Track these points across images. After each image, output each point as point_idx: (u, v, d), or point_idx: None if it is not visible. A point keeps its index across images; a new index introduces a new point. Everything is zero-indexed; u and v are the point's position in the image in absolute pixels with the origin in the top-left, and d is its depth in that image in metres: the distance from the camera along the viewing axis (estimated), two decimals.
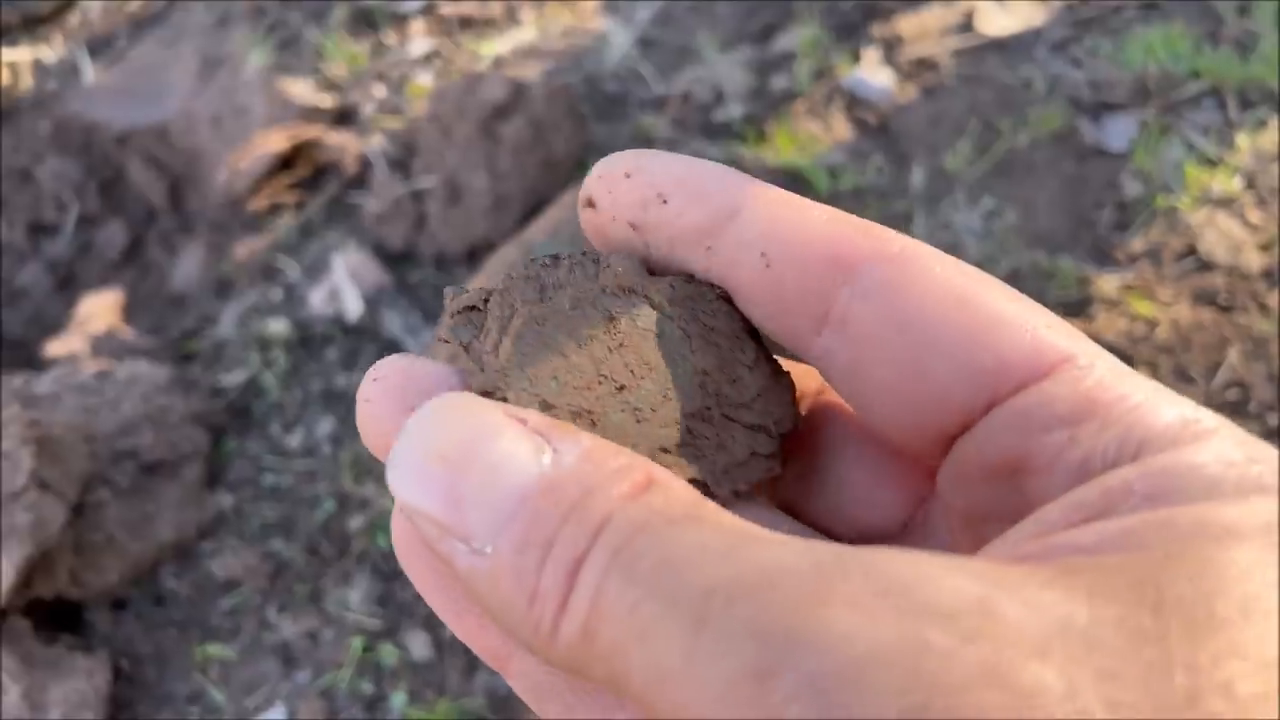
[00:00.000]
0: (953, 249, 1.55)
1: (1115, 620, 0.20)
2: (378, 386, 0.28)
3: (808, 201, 0.29)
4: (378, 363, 0.29)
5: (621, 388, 0.28)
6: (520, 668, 0.28)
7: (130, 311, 2.06)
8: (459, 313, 0.31)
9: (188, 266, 2.09)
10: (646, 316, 0.29)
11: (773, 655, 0.19)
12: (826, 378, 0.29)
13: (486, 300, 0.31)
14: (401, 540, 0.29)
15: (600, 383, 0.28)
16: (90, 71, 2.30)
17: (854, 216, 0.28)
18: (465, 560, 0.23)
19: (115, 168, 2.30)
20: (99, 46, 2.33)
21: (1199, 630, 0.20)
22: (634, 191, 0.30)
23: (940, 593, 0.20)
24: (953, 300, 0.27)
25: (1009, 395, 0.26)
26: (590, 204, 0.32)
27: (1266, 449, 0.24)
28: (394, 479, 0.25)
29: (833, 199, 1.63)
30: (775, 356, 0.31)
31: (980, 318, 0.26)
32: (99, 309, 2.04)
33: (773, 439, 0.30)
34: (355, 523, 1.44)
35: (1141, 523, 0.22)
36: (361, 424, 0.29)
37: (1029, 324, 0.26)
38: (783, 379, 0.31)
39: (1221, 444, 0.23)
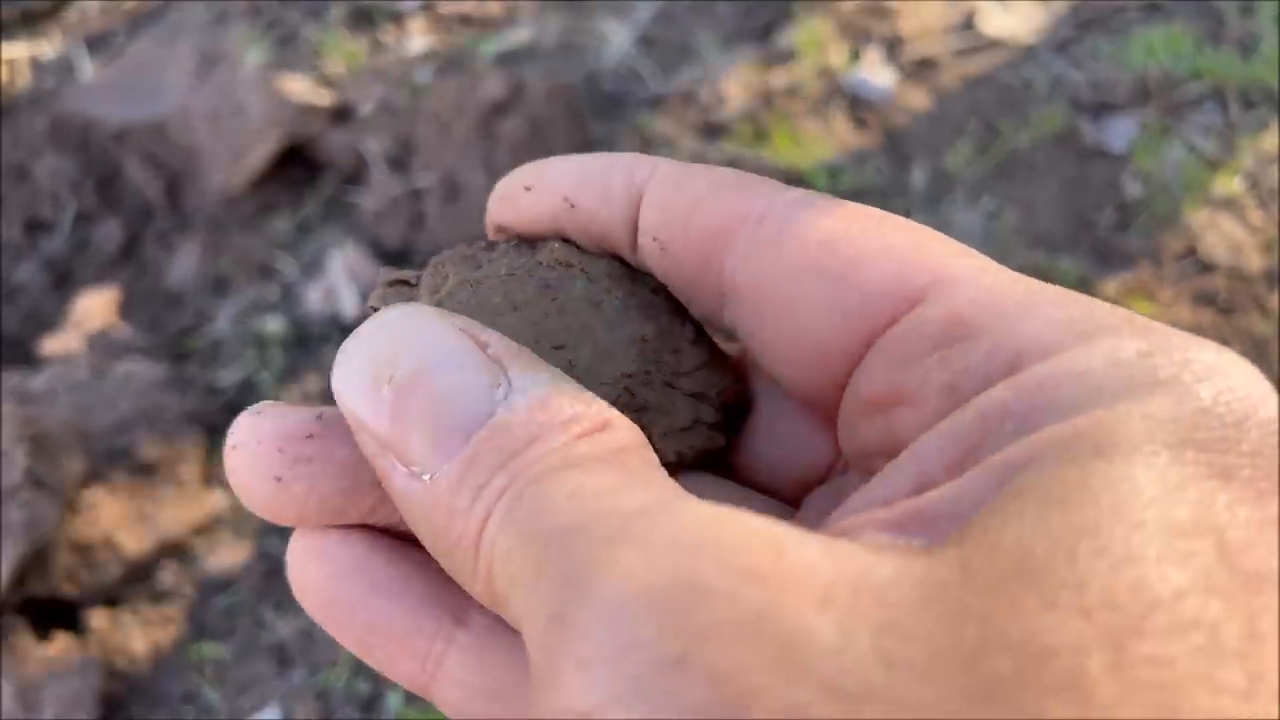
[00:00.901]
0: None
1: (922, 570, 0.17)
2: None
3: (699, 170, 0.28)
4: (253, 410, 0.27)
5: (559, 347, 0.27)
6: (440, 696, 0.27)
7: (126, 309, 2.05)
8: (390, 284, 0.31)
9: (184, 264, 2.09)
10: (583, 288, 0.28)
11: (565, 598, 0.18)
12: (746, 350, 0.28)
13: (419, 278, 0.31)
14: (299, 574, 0.27)
15: (537, 342, 0.27)
16: (88, 68, 2.29)
17: (745, 176, 0.28)
18: (403, 482, 0.23)
19: (112, 165, 2.29)
20: (97, 43, 2.32)
21: (1009, 576, 0.16)
22: (539, 203, 0.30)
23: (737, 533, 0.18)
24: (816, 245, 0.26)
25: (884, 329, 0.25)
26: (500, 230, 0.32)
27: (1179, 339, 0.20)
28: (339, 385, 0.24)
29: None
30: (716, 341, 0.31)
31: (843, 256, 0.25)
32: (95, 307, 2.03)
33: (715, 409, 0.29)
34: None
35: (1010, 456, 0.19)
36: (231, 474, 0.27)
37: (897, 252, 0.25)
38: (725, 358, 0.30)
39: (1114, 342, 0.20)
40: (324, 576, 0.27)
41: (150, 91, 2.29)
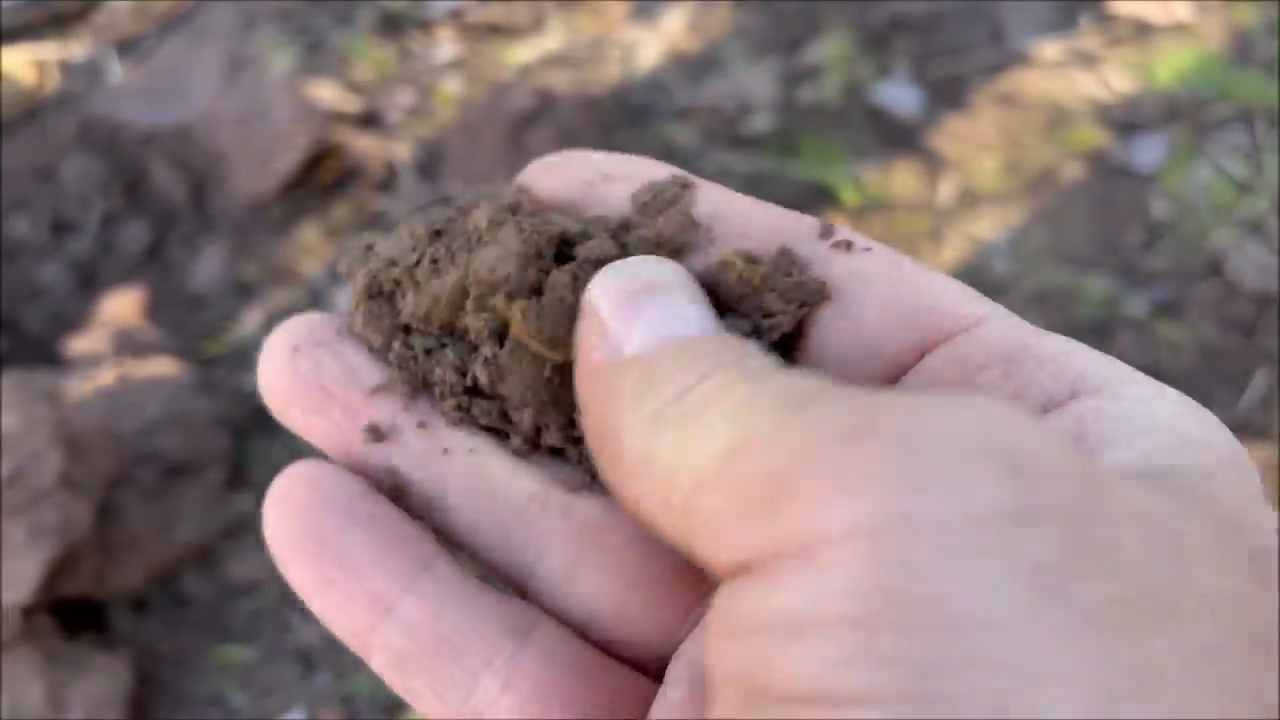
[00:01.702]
0: (979, 268, 1.55)
1: None
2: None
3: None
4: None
5: None
6: (384, 641, 0.28)
7: (152, 311, 2.07)
8: (364, 249, 0.37)
9: (209, 267, 2.10)
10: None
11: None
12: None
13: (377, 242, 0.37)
14: (284, 500, 0.30)
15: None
16: (117, 71, 2.31)
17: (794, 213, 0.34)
18: (601, 353, 0.26)
19: (139, 168, 2.31)
20: (126, 46, 2.34)
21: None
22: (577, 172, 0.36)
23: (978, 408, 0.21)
24: (886, 263, 0.30)
25: (939, 343, 0.28)
26: (521, 190, 0.36)
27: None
28: (596, 288, 0.28)
29: (858, 213, 1.64)
30: None
31: (908, 270, 0.30)
32: (121, 308, 2.04)
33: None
34: None
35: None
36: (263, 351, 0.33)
37: (954, 285, 0.29)
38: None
39: (1150, 387, 0.26)
40: (309, 501, 0.29)
41: (178, 95, 2.31)
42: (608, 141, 1.73)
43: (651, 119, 1.84)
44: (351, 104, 2.02)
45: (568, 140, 1.68)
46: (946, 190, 1.64)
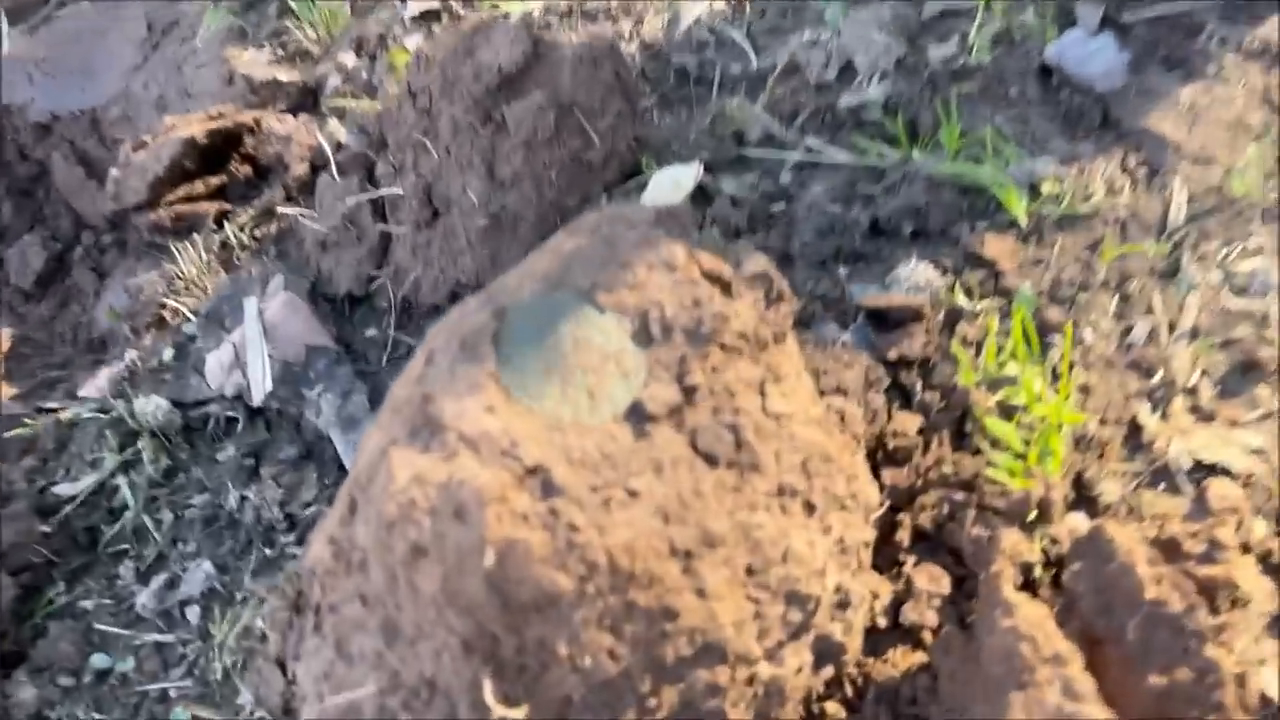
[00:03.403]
0: (1241, 312, 0.91)
1: None
2: None
3: None
4: None
5: None
6: None
7: (16, 360, 1.50)
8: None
9: (117, 296, 1.54)
10: None
11: None
12: None
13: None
14: None
15: None
16: (5, 40, 1.76)
17: None
18: None
19: (35, 164, 1.76)
20: (18, 9, 1.79)
21: None
22: None
23: None
24: None
25: None
26: None
27: None
28: None
29: (1036, 232, 1.00)
30: None
31: None
32: None
33: None
34: None
35: None
36: None
37: None
38: None
39: None
40: None
41: (85, 70, 1.76)
42: (632, 120, 1.12)
43: (705, 88, 1.22)
44: (285, 73, 1.44)
45: (567, 116, 1.07)
46: (1179, 196, 1.00)
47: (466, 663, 0.61)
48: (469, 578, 0.59)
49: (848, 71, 1.20)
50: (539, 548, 0.59)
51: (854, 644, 0.73)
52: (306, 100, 1.41)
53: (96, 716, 0.89)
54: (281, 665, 0.76)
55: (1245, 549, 0.77)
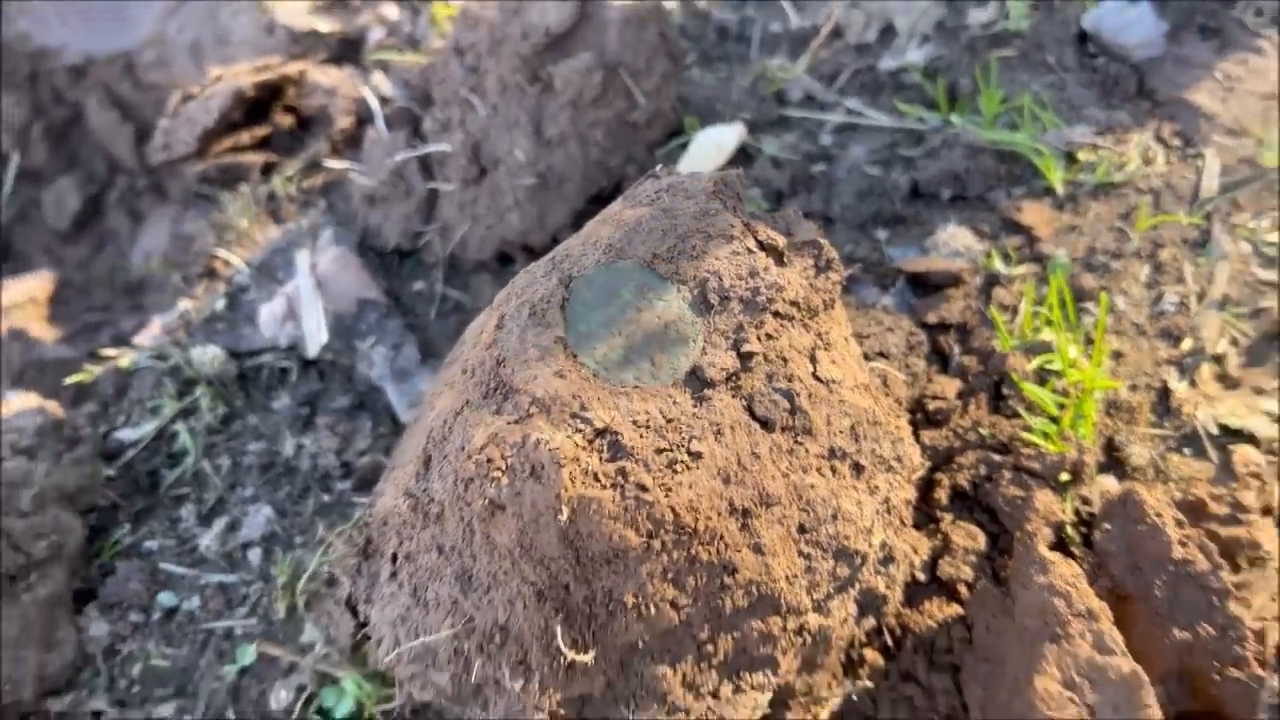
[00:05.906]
0: (1270, 283, 0.94)
1: None
2: None
3: None
4: None
5: None
6: None
7: (58, 303, 1.54)
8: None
9: (155, 241, 1.57)
10: None
11: None
12: None
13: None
14: None
15: None
16: None
17: None
18: None
19: (69, 107, 1.78)
20: None
21: None
22: None
23: None
24: None
25: None
26: None
27: None
28: None
29: (1072, 199, 1.02)
30: None
31: None
32: (20, 298, 1.53)
33: None
34: (282, 692, 0.89)
35: None
36: None
37: None
38: None
39: None
40: None
41: (118, 13, 1.77)
42: (673, 80, 1.14)
43: (744, 48, 1.24)
44: (325, 24, 1.46)
45: (614, 76, 1.09)
46: (1212, 166, 1.03)
47: (539, 610, 0.65)
48: (544, 532, 0.63)
49: (888, 33, 1.21)
50: (610, 505, 0.62)
51: (895, 597, 0.77)
52: (347, 51, 1.42)
53: (168, 650, 0.94)
54: (352, 609, 0.81)
55: (1266, 511, 0.81)
